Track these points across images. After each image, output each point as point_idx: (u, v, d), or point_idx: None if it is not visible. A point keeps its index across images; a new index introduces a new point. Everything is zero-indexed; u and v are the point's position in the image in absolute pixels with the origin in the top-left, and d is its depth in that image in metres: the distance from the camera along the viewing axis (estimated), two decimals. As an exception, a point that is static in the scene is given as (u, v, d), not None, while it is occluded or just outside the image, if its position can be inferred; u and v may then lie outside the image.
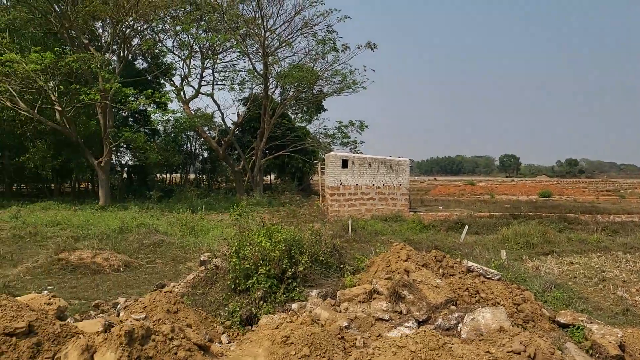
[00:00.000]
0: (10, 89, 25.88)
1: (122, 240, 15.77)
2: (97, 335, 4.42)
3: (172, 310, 7.36)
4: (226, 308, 7.90)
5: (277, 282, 8.18)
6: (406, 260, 8.18)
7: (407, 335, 4.88)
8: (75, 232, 17.84)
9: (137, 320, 6.97)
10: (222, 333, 7.42)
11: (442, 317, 6.78)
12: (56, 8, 27.15)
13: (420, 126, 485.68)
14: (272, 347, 5.12)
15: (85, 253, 13.32)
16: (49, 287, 10.75)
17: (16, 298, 6.90)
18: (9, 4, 31.29)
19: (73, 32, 28.26)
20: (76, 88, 25.62)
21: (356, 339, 5.80)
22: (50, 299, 7.13)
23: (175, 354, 4.40)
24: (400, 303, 7.06)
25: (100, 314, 8.47)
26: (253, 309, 7.74)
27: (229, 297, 8.18)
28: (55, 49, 26.38)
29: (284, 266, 8.27)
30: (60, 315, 6.65)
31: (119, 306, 8.54)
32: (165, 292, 7.67)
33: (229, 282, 8.39)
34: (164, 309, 7.30)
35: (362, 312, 7.07)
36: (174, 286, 9.51)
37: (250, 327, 7.52)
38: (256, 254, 8.41)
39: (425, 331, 4.85)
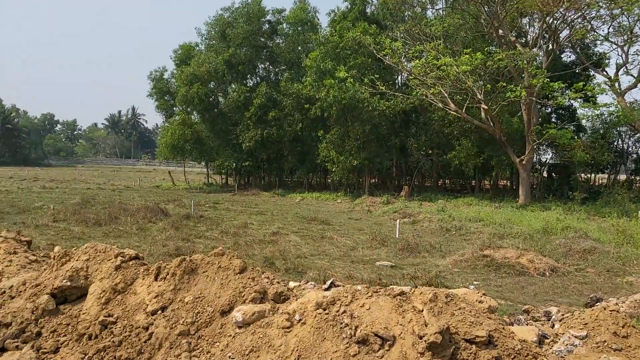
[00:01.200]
0: (442, 91, 28.00)
1: (547, 243, 14.80)
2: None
3: (620, 334, 6.09)
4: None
5: None
6: None
7: None
8: (497, 230, 17.79)
9: (576, 337, 6.04)
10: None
11: None
12: (486, 10, 27.90)
13: None
14: None
15: (509, 252, 12.92)
16: (475, 283, 10.69)
17: (450, 290, 6.85)
18: (444, 13, 33.99)
19: (501, 31, 28.56)
20: (502, 86, 25.76)
21: None
22: (481, 296, 6.84)
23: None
24: None
25: (531, 321, 7.80)
26: None
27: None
28: (487, 49, 27.19)
29: None
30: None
31: (553, 317, 7.66)
32: (610, 310, 6.46)
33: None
34: (609, 330, 6.10)
35: None
36: (616, 303, 8.11)
37: None
38: None
39: None
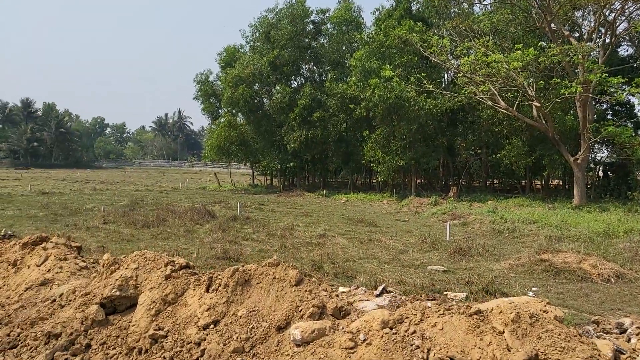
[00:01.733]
0: (492, 88, 27.15)
1: (610, 247, 13.99)
2: None
3: None
4: None
5: None
6: None
7: None
8: (553, 232, 17.02)
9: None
10: None
11: None
12: (538, 3, 26.90)
13: None
14: None
15: (569, 256, 12.22)
16: (534, 289, 10.12)
17: (510, 299, 6.39)
18: (492, 8, 33.02)
19: (553, 25, 27.47)
20: (556, 82, 24.75)
21: None
22: (545, 305, 6.36)
23: None
24: None
25: (602, 333, 7.23)
26: None
27: None
28: (539, 44, 26.17)
29: None
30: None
31: (628, 329, 7.07)
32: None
33: None
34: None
35: None
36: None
37: None
38: None
39: None
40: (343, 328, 4.19)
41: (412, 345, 3.62)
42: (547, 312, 6.07)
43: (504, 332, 3.54)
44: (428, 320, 3.81)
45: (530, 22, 28.83)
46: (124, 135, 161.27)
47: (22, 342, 5.39)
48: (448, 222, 18.01)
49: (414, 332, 3.74)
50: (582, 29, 31.22)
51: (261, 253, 13.18)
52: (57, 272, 6.54)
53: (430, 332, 3.70)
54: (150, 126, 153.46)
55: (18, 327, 5.63)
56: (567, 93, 24.21)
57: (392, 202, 31.51)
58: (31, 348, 5.22)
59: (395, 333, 3.79)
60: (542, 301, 6.56)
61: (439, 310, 3.93)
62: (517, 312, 3.62)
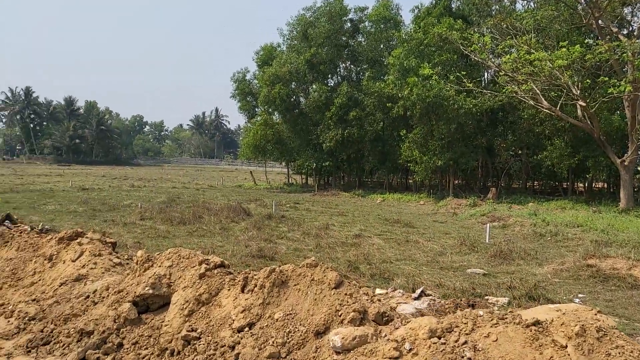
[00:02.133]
0: (534, 87, 26.34)
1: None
2: None
3: None
4: None
5: None
6: None
7: None
8: (599, 237, 16.35)
9: None
10: None
11: None
12: (583, 0, 25.99)
13: None
14: None
15: (618, 262, 11.67)
16: (580, 296, 9.65)
17: (557, 305, 6.01)
18: (535, 5, 32.13)
19: (601, 21, 26.47)
20: (603, 81, 23.84)
21: None
22: (595, 314, 5.95)
23: None
24: None
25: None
26: None
27: None
28: (586, 41, 25.26)
29: None
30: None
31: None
32: None
33: None
34: None
35: None
36: None
37: None
38: None
39: None
40: (386, 335, 3.92)
41: (462, 357, 3.30)
42: (599, 321, 5.67)
43: (566, 346, 3.20)
44: (480, 330, 3.49)
45: (576, 18, 27.85)
46: (162, 133, 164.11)
47: (55, 339, 5.33)
48: (488, 224, 17.51)
49: (465, 342, 3.43)
50: (632, 26, 30.02)
51: (296, 252, 13.03)
52: (92, 268, 6.48)
53: (482, 344, 3.38)
54: (187, 124, 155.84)
55: (52, 323, 5.58)
56: (615, 92, 23.26)
57: (429, 203, 30.98)
58: (64, 345, 5.15)
59: (444, 343, 3.49)
60: (591, 309, 6.14)
61: (491, 320, 3.59)
62: (583, 325, 3.28)
